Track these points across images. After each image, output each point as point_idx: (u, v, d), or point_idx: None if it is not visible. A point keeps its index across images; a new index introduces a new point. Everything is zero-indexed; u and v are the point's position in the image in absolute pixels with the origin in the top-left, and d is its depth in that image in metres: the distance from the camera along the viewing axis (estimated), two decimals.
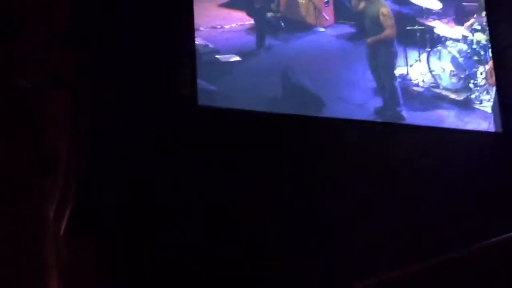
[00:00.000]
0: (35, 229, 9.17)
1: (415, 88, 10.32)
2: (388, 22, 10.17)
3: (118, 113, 9.13)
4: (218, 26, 9.42)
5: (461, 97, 10.43)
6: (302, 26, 9.87)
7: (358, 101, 9.75)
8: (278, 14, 9.76)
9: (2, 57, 8.91)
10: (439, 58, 10.59)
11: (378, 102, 9.90)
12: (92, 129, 8.91)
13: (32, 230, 9.09)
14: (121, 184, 8.78)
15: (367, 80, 9.90)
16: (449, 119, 10.19)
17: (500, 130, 10.25)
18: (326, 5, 10.05)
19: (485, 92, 10.52)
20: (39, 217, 9.15)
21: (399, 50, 10.31)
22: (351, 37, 10.11)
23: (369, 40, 10.11)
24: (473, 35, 10.75)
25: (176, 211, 8.61)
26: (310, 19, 9.92)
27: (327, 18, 10.04)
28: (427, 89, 10.40)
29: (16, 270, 9.23)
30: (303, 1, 9.89)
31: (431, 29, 10.62)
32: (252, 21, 9.63)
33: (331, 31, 10.02)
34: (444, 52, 10.64)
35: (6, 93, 8.82)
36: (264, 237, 8.85)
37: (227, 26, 9.51)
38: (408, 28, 10.39)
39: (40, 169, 8.96)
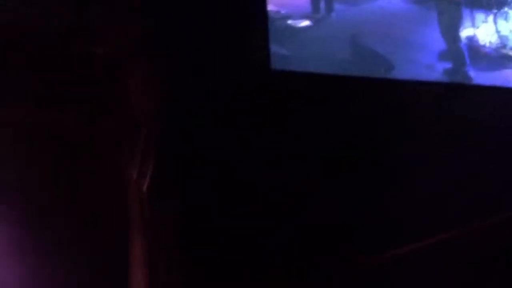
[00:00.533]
0: (119, 187, 9.63)
1: (482, 49, 10.37)
2: None
3: (193, 77, 9.43)
4: None
5: None
6: None
7: (427, 62, 9.85)
8: None
9: (83, 25, 9.29)
10: (506, 19, 10.59)
11: (446, 64, 10.00)
12: (169, 92, 9.28)
13: (117, 188, 9.55)
14: (200, 143, 9.08)
15: (435, 41, 9.99)
16: None
17: None
18: None
19: None
20: (123, 176, 9.61)
21: (466, 12, 10.35)
22: (419, 0, 10.20)
23: (437, 2, 10.17)
24: None
25: (254, 171, 8.92)
26: None
27: None
28: (494, 50, 10.44)
29: (101, 227, 9.69)
30: None
31: None
32: None
33: None
34: (511, 13, 10.63)
35: (88, 59, 9.23)
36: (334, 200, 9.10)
37: None
38: None
39: (122, 130, 9.41)
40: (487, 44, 10.56)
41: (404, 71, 9.77)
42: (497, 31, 10.66)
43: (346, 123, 9.19)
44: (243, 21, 9.44)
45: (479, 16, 10.61)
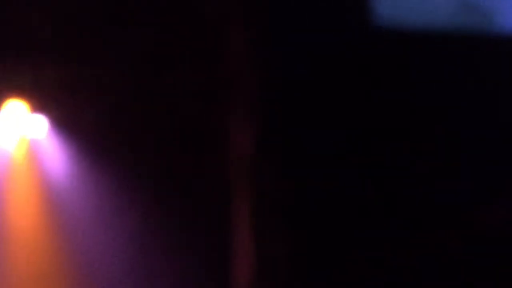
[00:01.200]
0: (222, 150, 9.78)
1: None
2: None
3: (293, 36, 9.47)
4: None
5: None
6: None
7: None
8: None
9: None
10: None
11: None
12: (269, 51, 9.38)
13: (219, 151, 9.70)
14: (300, 102, 9.17)
15: None
16: None
17: None
18: None
19: None
20: (225, 139, 9.78)
21: None
22: None
23: None
24: None
25: (355, 129, 8.98)
26: None
27: None
28: None
29: (204, 190, 9.86)
30: None
31: None
32: None
33: None
34: None
35: (192, 21, 9.38)
36: None
37: None
38: None
39: (225, 90, 9.58)
40: None
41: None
42: None
43: (454, 77, 9.08)
44: None
45: None
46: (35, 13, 9.21)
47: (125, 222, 9.73)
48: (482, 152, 9.07)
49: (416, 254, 8.89)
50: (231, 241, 9.96)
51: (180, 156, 9.77)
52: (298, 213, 9.19)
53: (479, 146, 9.04)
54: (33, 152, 10.03)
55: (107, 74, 9.58)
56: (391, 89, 9.08)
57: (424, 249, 9.01)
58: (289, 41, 9.23)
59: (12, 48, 9.24)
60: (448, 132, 9.08)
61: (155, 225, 9.77)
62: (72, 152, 9.97)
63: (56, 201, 9.98)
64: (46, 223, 9.99)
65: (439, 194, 8.96)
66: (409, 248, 8.92)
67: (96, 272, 9.61)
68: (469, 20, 9.51)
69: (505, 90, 9.16)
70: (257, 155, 9.33)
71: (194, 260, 9.67)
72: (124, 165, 9.74)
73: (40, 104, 9.74)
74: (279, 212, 9.27)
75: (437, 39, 9.49)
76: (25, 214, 9.97)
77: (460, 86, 9.29)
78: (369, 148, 9.20)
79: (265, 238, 9.31)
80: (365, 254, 9.03)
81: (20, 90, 9.62)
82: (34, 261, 9.72)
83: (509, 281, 8.73)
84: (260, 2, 9.42)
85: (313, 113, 9.28)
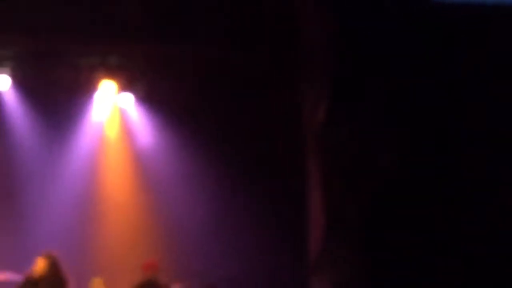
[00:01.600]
0: (296, 115, 10.32)
1: None
2: None
3: (359, 13, 9.82)
4: None
5: None
6: None
7: None
8: None
9: None
10: None
11: None
12: (340, 22, 9.76)
13: (294, 116, 10.24)
14: (372, 71, 9.45)
15: None
16: None
17: None
18: None
19: None
20: (299, 104, 10.30)
21: None
22: None
23: None
24: None
25: (424, 99, 9.19)
26: None
27: None
28: None
29: (280, 153, 10.45)
30: None
31: None
32: None
33: None
34: None
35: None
36: None
37: None
38: None
39: (298, 61, 10.08)
40: None
41: None
42: None
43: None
44: None
45: None
46: None
47: (205, 182, 10.55)
48: None
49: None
50: (304, 202, 10.55)
51: (257, 124, 10.44)
52: (368, 176, 9.54)
53: None
54: (124, 124, 10.96)
55: (190, 51, 10.28)
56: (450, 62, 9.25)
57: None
58: (357, 16, 9.57)
59: (104, 33, 10.00)
60: None
61: (234, 187, 10.48)
62: (157, 122, 10.87)
63: (145, 165, 10.87)
64: (136, 184, 10.89)
65: None
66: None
67: (180, 228, 10.41)
68: None
69: None
70: (329, 122, 9.78)
71: (270, 220, 10.33)
72: (204, 132, 10.55)
73: (128, 81, 10.66)
74: (349, 176, 9.66)
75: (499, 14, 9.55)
76: (118, 176, 10.91)
77: None
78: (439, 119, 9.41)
79: (337, 200, 9.76)
80: (437, 213, 9.30)
81: (112, 71, 10.49)
82: (127, 219, 10.68)
83: None
84: None
85: (382, 84, 9.58)
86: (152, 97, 10.75)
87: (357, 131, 9.57)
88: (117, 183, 10.87)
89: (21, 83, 10.34)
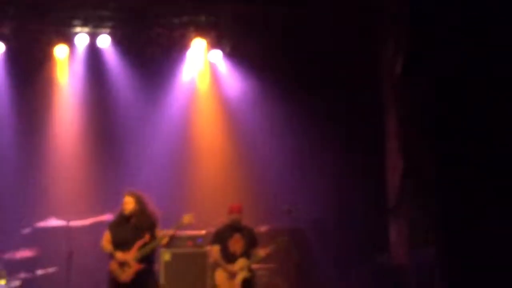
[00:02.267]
0: (374, 66, 10.57)
1: None
2: None
3: None
4: None
5: None
6: None
7: None
8: None
9: None
10: None
11: None
12: None
13: (372, 67, 10.50)
14: (453, 28, 9.39)
15: None
16: None
17: None
18: None
19: None
20: (378, 56, 10.57)
21: None
22: None
23: None
24: None
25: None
26: None
27: None
28: None
29: (359, 103, 10.66)
30: None
31: None
32: None
33: None
34: None
35: None
36: None
37: None
38: None
39: (375, 16, 10.30)
40: None
41: None
42: None
43: None
44: None
45: None
46: None
47: (288, 130, 10.99)
48: None
49: None
50: (383, 151, 10.80)
51: (335, 76, 10.74)
52: (444, 126, 9.57)
53: None
54: (213, 77, 11.48)
55: (273, 10, 10.68)
56: None
57: None
58: None
59: None
60: None
61: (315, 134, 10.85)
62: (243, 76, 11.35)
63: (233, 114, 11.39)
64: (225, 131, 11.40)
65: None
66: None
67: (266, 172, 10.93)
68: None
69: None
70: (405, 75, 9.89)
71: (351, 167, 10.66)
72: (285, 84, 10.96)
73: (217, 39, 11.21)
74: (425, 126, 9.75)
75: None
76: (209, 125, 11.46)
77: None
78: None
79: (413, 149, 9.89)
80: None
81: (202, 29, 11.02)
82: (217, 165, 11.27)
83: None
84: None
85: (456, 40, 9.45)
86: (238, 53, 11.22)
87: (433, 82, 9.68)
88: (208, 131, 11.44)
89: (120, 42, 10.96)
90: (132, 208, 8.19)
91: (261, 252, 8.90)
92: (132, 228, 8.18)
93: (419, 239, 9.72)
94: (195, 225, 8.72)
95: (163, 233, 8.16)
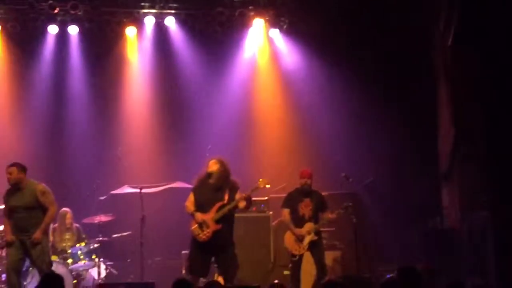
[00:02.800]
0: (427, 38, 10.75)
1: None
2: None
3: None
4: None
5: None
6: None
7: None
8: None
9: None
10: None
11: None
12: None
13: (425, 39, 10.65)
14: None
15: None
16: None
17: None
18: None
19: None
20: (430, 28, 10.75)
21: None
22: None
23: None
24: None
25: None
26: None
27: None
28: None
29: (411, 74, 10.83)
30: None
31: None
32: None
33: None
34: None
35: None
36: None
37: None
38: None
39: None
40: None
41: None
42: None
43: None
44: None
45: None
46: None
47: (344, 100, 11.31)
48: None
49: None
50: (435, 118, 11.00)
51: (391, 50, 10.99)
52: (494, 93, 9.68)
53: None
54: (272, 53, 11.87)
55: None
56: None
57: None
58: None
59: None
60: None
61: (371, 102, 11.08)
62: (300, 51, 11.71)
63: (292, 87, 11.76)
64: (285, 102, 11.80)
65: None
66: None
67: (324, 143, 11.24)
68: None
69: None
70: (457, 44, 10.03)
71: (405, 133, 10.96)
72: (341, 56, 11.30)
73: (275, 17, 11.60)
74: (477, 93, 9.90)
75: None
76: (269, 97, 11.88)
77: None
78: None
79: (465, 116, 10.05)
80: None
81: (261, 8, 11.43)
82: (279, 137, 11.65)
83: None
84: None
85: (508, 9, 9.53)
86: (295, 29, 11.59)
87: (485, 51, 9.81)
88: (268, 103, 11.85)
89: (184, 21, 11.42)
90: (215, 171, 8.53)
91: (328, 216, 9.11)
92: (213, 191, 8.53)
93: (471, 203, 9.86)
94: (258, 191, 9.00)
95: (241, 196, 8.49)
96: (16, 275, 8.39)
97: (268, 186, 8.70)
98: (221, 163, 8.62)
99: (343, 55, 11.29)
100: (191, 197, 8.65)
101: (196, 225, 8.46)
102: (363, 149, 11.18)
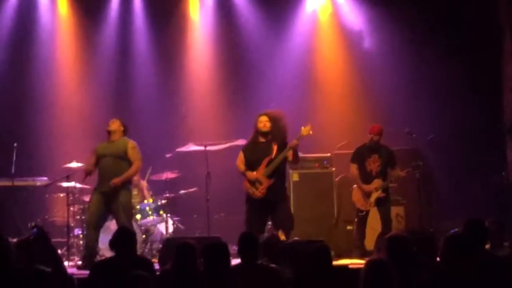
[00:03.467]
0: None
1: None
2: None
3: None
4: None
5: None
6: None
7: None
8: None
9: None
10: None
11: None
12: None
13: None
14: None
15: None
16: None
17: None
18: None
19: None
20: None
21: None
22: None
23: None
24: None
25: None
26: None
27: None
28: None
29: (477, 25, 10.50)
30: None
31: None
32: None
33: None
34: None
35: None
36: None
37: None
38: None
39: None
40: None
41: None
42: None
43: None
44: None
45: None
46: None
47: (407, 55, 11.00)
48: None
49: None
50: (500, 74, 10.72)
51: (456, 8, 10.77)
52: None
53: None
54: (334, 10, 11.71)
55: None
56: None
57: None
58: None
59: None
60: None
61: (435, 59, 10.84)
62: (361, 6, 11.48)
63: (354, 45, 11.57)
64: (347, 61, 11.61)
65: None
66: None
67: (387, 98, 11.06)
68: None
69: None
70: None
71: (470, 89, 10.72)
72: (404, 15, 11.01)
73: None
74: None
75: None
76: (330, 56, 11.67)
77: None
78: None
79: None
80: None
81: None
82: (341, 93, 11.51)
83: None
84: None
85: None
86: None
87: None
88: (330, 59, 11.64)
89: None
90: (266, 126, 8.47)
91: (398, 173, 9.05)
92: (262, 147, 8.47)
93: None
94: (321, 148, 8.93)
95: (288, 145, 8.36)
96: (96, 230, 8.62)
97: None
98: (274, 119, 8.51)
99: (405, 11, 10.97)
100: (241, 156, 8.59)
101: (249, 184, 8.39)
102: (426, 104, 10.95)
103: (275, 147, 8.41)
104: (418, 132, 9.77)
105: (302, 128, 8.50)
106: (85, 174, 8.87)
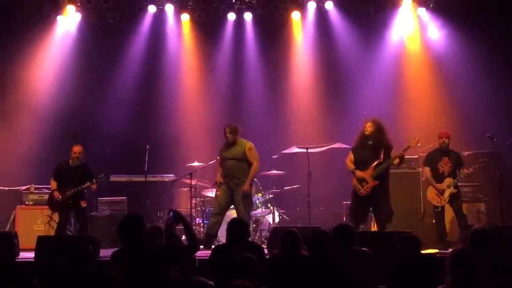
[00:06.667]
0: None
1: None
2: None
3: None
4: None
5: None
6: None
7: None
8: None
9: None
10: None
11: None
12: None
13: None
14: None
15: None
16: None
17: None
18: None
19: None
20: None
21: None
22: None
23: None
24: None
25: None
26: None
27: None
28: None
29: None
30: None
31: None
32: None
33: None
34: None
35: None
36: None
37: None
38: None
39: None
40: None
41: None
42: None
43: None
44: None
45: None
46: None
47: (490, 65, 10.65)
48: None
49: None
50: None
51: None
52: None
53: None
54: (421, 32, 11.41)
55: None
56: None
57: None
58: None
59: None
60: None
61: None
62: (447, 27, 11.19)
63: (439, 59, 11.26)
64: (433, 74, 11.29)
65: None
66: None
67: (470, 104, 10.72)
68: None
69: None
70: None
71: None
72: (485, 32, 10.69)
73: None
74: None
75: None
76: (419, 72, 11.39)
77: None
78: None
79: None
80: None
81: None
82: (426, 97, 11.24)
83: None
84: None
85: None
86: (441, 7, 11.11)
87: None
88: (417, 74, 11.41)
89: (342, 3, 11.34)
90: (372, 131, 8.55)
91: (465, 171, 8.91)
92: (370, 150, 8.56)
93: None
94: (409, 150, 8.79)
95: (395, 154, 8.49)
96: (219, 216, 8.89)
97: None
98: (377, 125, 8.53)
99: (487, 28, 10.67)
100: (350, 156, 8.68)
101: (356, 181, 8.52)
102: (507, 110, 10.58)
103: (382, 152, 8.53)
104: (498, 137, 9.48)
105: (412, 140, 8.61)
106: (217, 186, 9.09)
